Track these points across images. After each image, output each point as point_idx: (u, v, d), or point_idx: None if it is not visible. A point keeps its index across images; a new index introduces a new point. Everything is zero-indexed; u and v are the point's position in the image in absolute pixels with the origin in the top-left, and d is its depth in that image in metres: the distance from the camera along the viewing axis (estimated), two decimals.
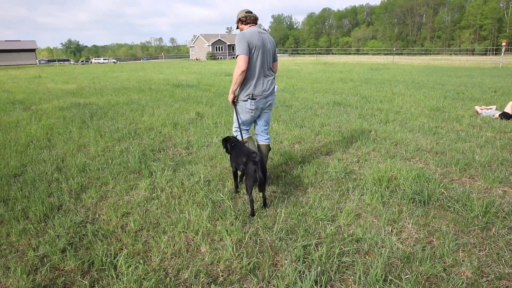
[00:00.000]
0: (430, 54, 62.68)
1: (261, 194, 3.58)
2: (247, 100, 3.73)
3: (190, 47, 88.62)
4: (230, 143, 3.89)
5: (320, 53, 55.78)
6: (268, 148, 4.18)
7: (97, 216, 3.44)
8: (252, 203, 3.36)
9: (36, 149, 5.66)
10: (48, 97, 12.10)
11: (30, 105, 10.52)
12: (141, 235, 3.06)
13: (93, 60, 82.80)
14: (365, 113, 7.86)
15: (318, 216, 3.28)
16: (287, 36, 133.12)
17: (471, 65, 28.73)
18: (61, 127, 7.14)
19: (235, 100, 3.85)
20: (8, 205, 3.70)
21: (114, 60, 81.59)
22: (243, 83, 3.71)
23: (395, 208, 3.41)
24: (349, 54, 76.99)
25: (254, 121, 4.05)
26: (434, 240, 2.90)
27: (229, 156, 3.94)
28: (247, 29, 3.73)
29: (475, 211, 3.29)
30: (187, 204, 3.58)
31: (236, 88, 3.74)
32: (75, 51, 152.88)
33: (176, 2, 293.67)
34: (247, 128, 4.07)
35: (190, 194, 3.81)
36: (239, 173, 3.84)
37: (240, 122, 3.93)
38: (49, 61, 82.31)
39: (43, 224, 3.30)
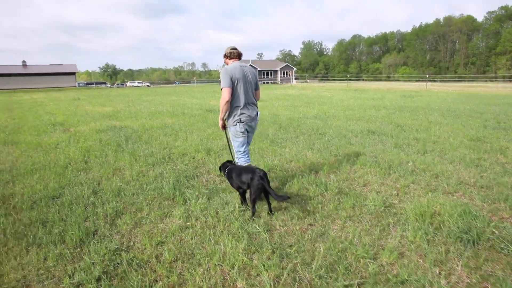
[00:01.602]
0: (464, 81, 61.19)
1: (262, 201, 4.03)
2: (236, 125, 4.28)
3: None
4: (224, 168, 4.30)
5: (350, 79, 55.57)
6: None
7: (132, 243, 3.42)
8: (254, 213, 3.87)
9: (73, 171, 5.79)
10: (85, 119, 12.54)
11: (69, 127, 10.92)
12: (176, 267, 2.99)
13: (128, 83, 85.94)
14: (401, 142, 7.63)
15: (359, 253, 3.12)
16: (317, 62, 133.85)
17: (509, 92, 27.73)
18: (98, 149, 7.31)
19: (225, 126, 4.46)
20: (46, 228, 3.75)
21: (148, 84, 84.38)
22: (231, 111, 4.29)
23: (441, 248, 3.20)
24: (380, 80, 76.30)
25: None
26: (489, 286, 2.68)
27: (228, 180, 4.24)
28: (230, 64, 4.34)
29: None
30: (222, 234, 3.51)
31: (223, 116, 4.33)
32: (112, 74, 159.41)
33: (207, 28, 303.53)
34: (245, 149, 4.49)
35: (225, 224, 3.74)
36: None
37: (235, 146, 4.45)
38: (87, 83, 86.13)
39: (79, 249, 3.31)
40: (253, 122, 4.40)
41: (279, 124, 10.26)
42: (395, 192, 4.65)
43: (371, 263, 2.99)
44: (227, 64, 4.39)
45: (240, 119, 4.24)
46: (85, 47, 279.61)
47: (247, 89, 4.27)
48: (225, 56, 4.44)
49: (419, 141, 7.68)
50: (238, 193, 4.25)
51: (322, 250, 3.20)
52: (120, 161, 6.38)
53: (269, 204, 4.00)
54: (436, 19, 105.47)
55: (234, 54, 4.38)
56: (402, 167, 5.68)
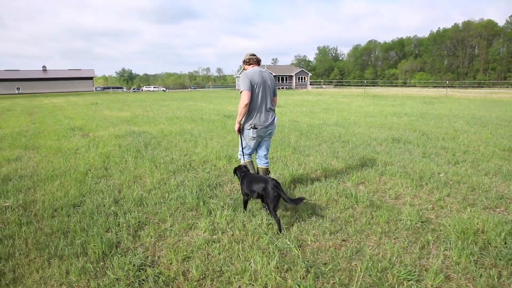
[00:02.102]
0: (484, 87, 59.85)
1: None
2: (250, 129, 4.33)
3: (236, 77, 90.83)
4: (240, 172, 4.26)
5: (365, 85, 54.91)
6: (267, 171, 4.70)
7: (157, 258, 3.25)
8: (279, 222, 3.70)
9: (94, 178, 5.68)
10: (104, 124, 12.55)
11: (88, 131, 10.92)
12: (205, 285, 2.81)
13: (144, 88, 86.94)
14: (429, 151, 7.33)
15: (401, 274, 2.88)
16: (332, 68, 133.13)
17: None
18: (117, 155, 7.22)
19: (241, 129, 4.45)
20: (68, 238, 3.62)
21: (164, 89, 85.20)
22: (248, 115, 4.33)
23: (492, 271, 2.93)
24: (396, 86, 75.28)
25: (256, 147, 4.60)
26: None
27: (241, 185, 4.19)
28: (250, 69, 4.38)
29: None
30: (251, 250, 3.31)
31: (241, 119, 4.34)
32: (128, 79, 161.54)
33: (222, 34, 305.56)
34: (250, 152, 4.59)
35: (253, 238, 3.54)
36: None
37: (243, 146, 4.54)
38: (104, 88, 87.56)
39: (102, 263, 3.15)
40: (269, 128, 4.43)
41: (300, 131, 10.04)
42: (431, 206, 4.38)
43: (416, 286, 2.75)
44: (246, 70, 4.44)
45: (254, 124, 4.30)
46: (102, 52, 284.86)
47: (265, 94, 4.33)
48: (245, 62, 4.50)
49: (447, 151, 7.37)
50: (255, 202, 4.18)
51: (359, 269, 2.97)
52: (140, 168, 6.26)
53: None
54: (455, 24, 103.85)
55: (253, 60, 4.45)
56: (434, 178, 5.40)
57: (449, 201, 4.55)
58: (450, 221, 3.87)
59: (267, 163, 4.69)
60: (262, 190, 3.79)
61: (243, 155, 4.58)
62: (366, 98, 28.74)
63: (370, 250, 3.33)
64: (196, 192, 4.87)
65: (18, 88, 75.60)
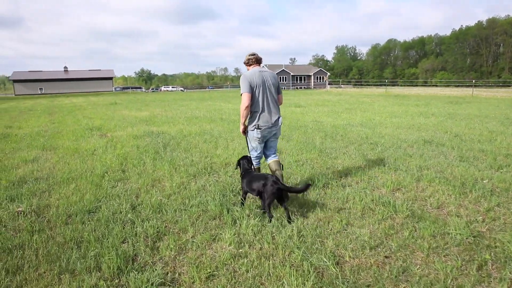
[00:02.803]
0: (510, 85, 57.76)
1: (282, 208, 3.93)
2: (254, 130, 4.31)
3: None
4: (244, 168, 4.34)
5: (384, 84, 53.71)
6: (279, 163, 4.54)
7: (177, 275, 2.90)
8: (272, 218, 3.81)
9: (110, 181, 5.41)
10: (122, 124, 12.38)
11: (106, 132, 10.74)
12: None
13: (162, 88, 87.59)
14: (466, 155, 6.79)
15: None
16: (351, 67, 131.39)
17: None
18: (135, 157, 6.95)
19: (246, 131, 4.46)
20: (81, 249, 3.32)
21: (182, 89, 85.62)
22: (251, 116, 4.34)
23: None
24: (416, 85, 73.57)
25: (263, 149, 4.54)
26: None
27: (241, 181, 4.29)
28: (249, 70, 4.36)
29: None
30: (283, 267, 2.93)
31: (244, 121, 4.34)
32: (147, 79, 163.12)
33: (239, 34, 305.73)
34: (258, 155, 4.53)
35: (284, 253, 3.16)
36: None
37: (250, 148, 4.53)
38: (123, 88, 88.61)
39: (116, 280, 2.83)
40: (273, 128, 4.37)
41: (324, 132, 9.60)
42: (480, 217, 3.91)
43: None
44: (246, 72, 4.42)
45: (258, 125, 4.28)
46: (122, 53, 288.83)
47: (267, 94, 4.29)
48: (245, 63, 4.48)
49: (486, 154, 6.82)
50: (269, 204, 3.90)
51: None
52: (159, 171, 5.97)
53: (287, 210, 3.87)
54: (478, 21, 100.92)
55: (253, 60, 4.40)
56: (478, 185, 4.91)
57: (501, 212, 4.06)
58: (507, 236, 3.40)
59: (276, 156, 4.62)
60: (262, 187, 3.83)
61: (250, 156, 4.57)
62: (388, 97, 27.94)
63: (418, 269, 2.91)
64: (219, 198, 4.52)
65: (40, 89, 77.32)
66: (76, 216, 4.11)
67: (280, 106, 4.52)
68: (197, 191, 4.90)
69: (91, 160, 6.87)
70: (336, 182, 5.17)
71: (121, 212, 4.19)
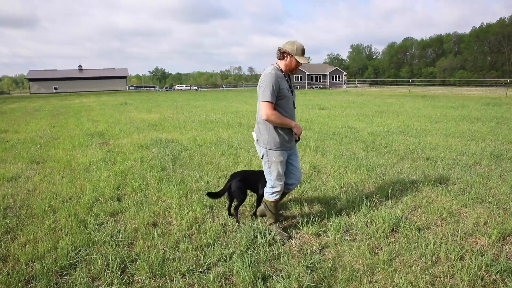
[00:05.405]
0: None
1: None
2: None
3: None
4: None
5: (401, 84, 51.51)
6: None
7: None
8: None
9: (99, 216, 4.04)
10: (128, 129, 11.07)
11: (108, 139, 9.43)
12: None
13: (176, 87, 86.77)
14: None
15: None
16: (366, 66, 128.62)
17: None
18: (137, 176, 5.58)
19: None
20: None
21: (196, 88, 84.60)
22: None
23: None
24: (433, 85, 70.98)
25: None
26: None
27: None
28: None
29: None
30: None
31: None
32: (161, 78, 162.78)
33: (252, 33, 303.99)
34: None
35: None
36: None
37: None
38: (137, 87, 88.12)
39: None
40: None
41: (363, 142, 8.07)
42: None
43: None
44: None
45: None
46: (136, 52, 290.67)
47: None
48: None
49: None
50: None
51: None
52: (165, 199, 4.58)
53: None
54: (500, 18, 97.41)
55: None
56: None
57: None
58: None
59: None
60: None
61: None
62: (416, 98, 26.09)
63: None
64: (249, 254, 3.09)
65: (55, 87, 77.36)
66: (38, 282, 2.75)
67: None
68: (216, 236, 3.49)
69: (82, 179, 5.52)
70: (409, 223, 3.69)
71: (104, 280, 2.80)
